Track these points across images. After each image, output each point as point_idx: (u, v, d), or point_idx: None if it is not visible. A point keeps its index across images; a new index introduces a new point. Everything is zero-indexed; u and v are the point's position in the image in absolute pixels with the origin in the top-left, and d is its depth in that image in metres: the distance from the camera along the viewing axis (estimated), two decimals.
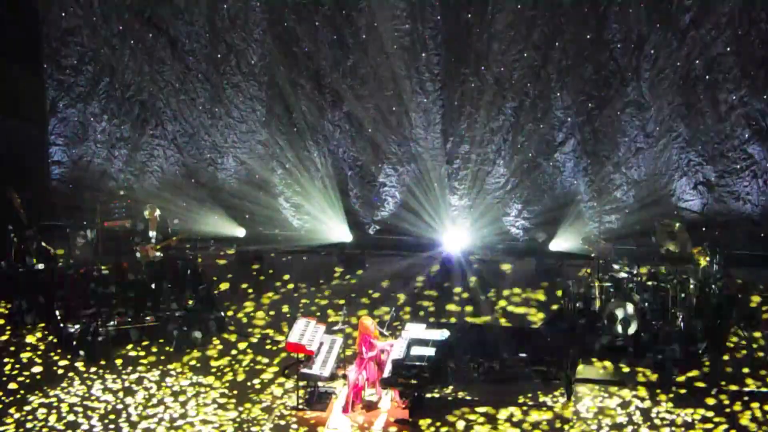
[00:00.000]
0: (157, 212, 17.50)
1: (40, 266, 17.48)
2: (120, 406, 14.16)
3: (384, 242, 19.80)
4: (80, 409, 14.08)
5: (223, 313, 16.79)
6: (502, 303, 17.33)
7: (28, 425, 13.68)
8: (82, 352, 15.58)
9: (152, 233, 17.36)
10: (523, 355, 13.67)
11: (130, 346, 15.96)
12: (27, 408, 14.11)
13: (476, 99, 18.98)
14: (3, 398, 14.45)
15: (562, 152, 19.03)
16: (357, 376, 13.72)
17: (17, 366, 15.49)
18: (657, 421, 13.48)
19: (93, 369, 15.26)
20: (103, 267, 17.37)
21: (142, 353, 15.82)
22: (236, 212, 20.13)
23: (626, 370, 14.83)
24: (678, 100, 18.28)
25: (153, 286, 16.82)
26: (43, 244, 17.86)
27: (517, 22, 18.55)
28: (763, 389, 14.19)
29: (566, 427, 13.44)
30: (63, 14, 19.98)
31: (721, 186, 18.38)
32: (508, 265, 18.69)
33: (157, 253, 17.20)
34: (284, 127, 19.87)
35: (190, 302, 16.73)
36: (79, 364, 15.41)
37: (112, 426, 13.67)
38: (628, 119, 18.57)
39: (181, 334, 15.92)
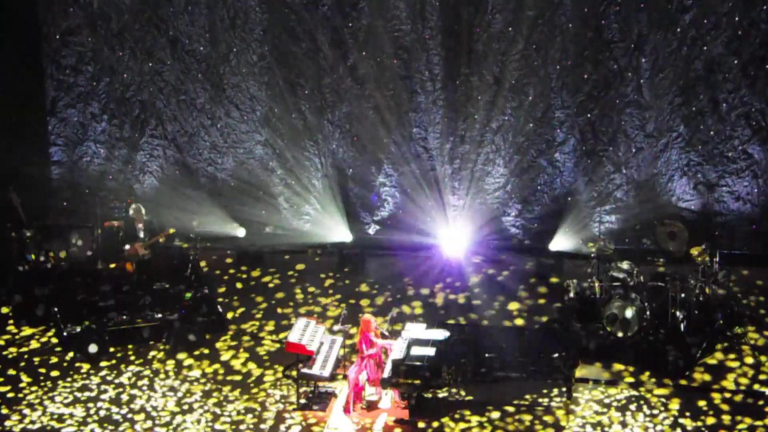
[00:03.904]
0: (142, 210, 17.49)
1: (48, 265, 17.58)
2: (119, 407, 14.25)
3: (384, 242, 19.80)
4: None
5: (222, 313, 16.85)
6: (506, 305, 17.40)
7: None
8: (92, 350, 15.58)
9: (140, 232, 17.38)
10: (523, 354, 13.69)
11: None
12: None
13: (476, 99, 18.98)
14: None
15: (562, 152, 19.03)
16: (357, 376, 13.72)
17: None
18: (657, 421, 13.51)
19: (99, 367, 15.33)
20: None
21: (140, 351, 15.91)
22: (236, 212, 20.12)
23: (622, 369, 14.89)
24: (678, 100, 18.28)
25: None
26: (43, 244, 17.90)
27: (517, 22, 18.56)
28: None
29: (566, 427, 13.44)
30: (63, 14, 19.99)
31: (721, 186, 18.38)
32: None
33: (146, 251, 17.20)
34: (284, 127, 19.87)
35: (188, 295, 16.74)
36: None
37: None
38: (628, 119, 18.57)
39: (177, 333, 15.95)
